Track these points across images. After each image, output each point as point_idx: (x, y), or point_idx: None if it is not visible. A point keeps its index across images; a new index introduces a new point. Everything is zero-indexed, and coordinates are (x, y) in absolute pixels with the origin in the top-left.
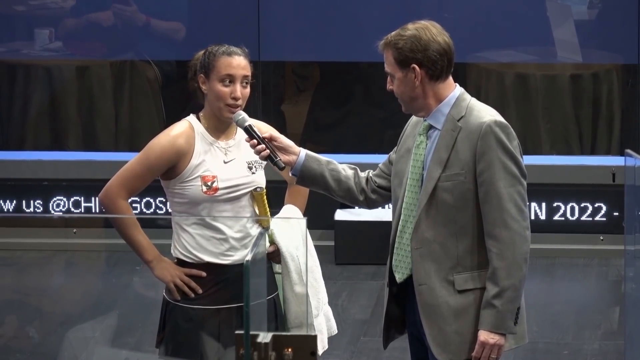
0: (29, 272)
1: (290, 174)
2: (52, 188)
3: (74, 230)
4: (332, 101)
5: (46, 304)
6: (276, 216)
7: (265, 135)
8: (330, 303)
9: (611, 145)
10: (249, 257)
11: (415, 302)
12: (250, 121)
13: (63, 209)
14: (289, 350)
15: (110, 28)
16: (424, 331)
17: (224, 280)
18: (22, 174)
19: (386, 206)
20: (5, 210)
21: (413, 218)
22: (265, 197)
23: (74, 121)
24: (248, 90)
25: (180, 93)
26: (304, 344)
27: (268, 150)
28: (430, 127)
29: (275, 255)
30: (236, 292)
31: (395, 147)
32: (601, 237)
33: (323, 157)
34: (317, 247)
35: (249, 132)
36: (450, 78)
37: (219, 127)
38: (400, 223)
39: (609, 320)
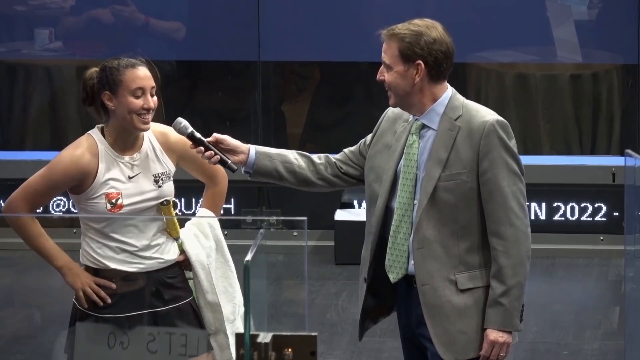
0: (29, 272)
1: (242, 172)
2: None
3: (74, 230)
4: (332, 101)
5: (46, 304)
6: (199, 216)
7: (210, 139)
8: (330, 303)
9: (611, 145)
10: (249, 257)
11: (408, 302)
12: (192, 128)
13: (63, 209)
14: (289, 350)
15: (110, 27)
16: (419, 332)
17: (132, 287)
18: (22, 174)
19: None
20: None
21: (408, 218)
22: (172, 208)
23: (74, 121)
24: (156, 99)
25: (180, 93)
26: (304, 344)
27: (218, 156)
28: (423, 126)
29: (187, 264)
30: (145, 298)
31: (368, 138)
32: (601, 237)
33: (273, 150)
34: (317, 247)
35: (193, 139)
36: (446, 80)
37: (125, 142)
38: (393, 223)
39: (609, 320)
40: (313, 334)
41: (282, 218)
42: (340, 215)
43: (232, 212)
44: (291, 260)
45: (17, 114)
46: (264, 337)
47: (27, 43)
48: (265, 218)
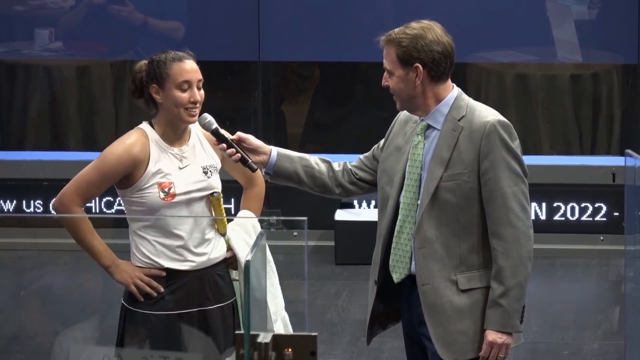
0: (29, 272)
1: (263, 173)
2: (52, 188)
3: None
4: (332, 101)
5: (46, 304)
6: (240, 216)
7: (234, 137)
8: (330, 303)
9: (611, 145)
10: (249, 257)
11: (411, 302)
12: (217, 124)
13: None
14: (289, 350)
15: (109, 27)
16: (421, 331)
17: (183, 285)
18: (22, 174)
19: None
20: (5, 210)
21: (412, 218)
22: (222, 201)
23: (74, 121)
24: (203, 92)
25: None
26: (304, 344)
27: (239, 154)
28: (428, 127)
29: (232, 262)
30: (196, 296)
31: (381, 142)
32: (601, 237)
33: (295, 154)
34: (317, 247)
35: (217, 135)
36: (449, 79)
37: (174, 134)
38: (397, 223)
39: (609, 320)
40: (313, 334)
41: (282, 218)
42: (340, 215)
43: (233, 212)
44: (291, 260)
45: (17, 114)
46: (264, 337)
47: (27, 43)
48: (266, 218)
